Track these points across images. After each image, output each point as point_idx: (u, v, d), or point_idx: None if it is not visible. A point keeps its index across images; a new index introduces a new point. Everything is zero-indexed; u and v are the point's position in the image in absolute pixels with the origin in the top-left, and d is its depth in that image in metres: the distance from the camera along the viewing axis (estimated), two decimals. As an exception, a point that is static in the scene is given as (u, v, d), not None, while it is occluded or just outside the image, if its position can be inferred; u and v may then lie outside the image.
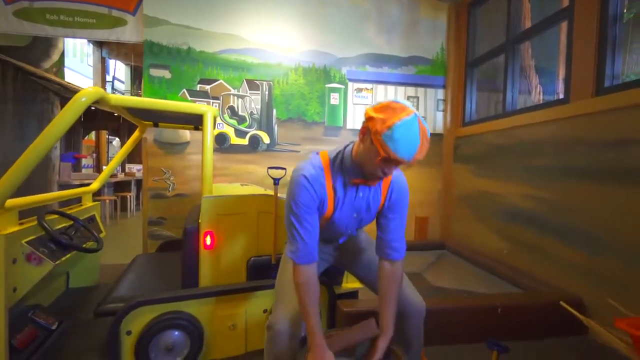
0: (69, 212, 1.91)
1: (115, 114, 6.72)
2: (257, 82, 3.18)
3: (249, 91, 3.17)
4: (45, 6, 3.00)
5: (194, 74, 3.07)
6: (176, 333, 1.49)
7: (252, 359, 1.61)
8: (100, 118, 6.95)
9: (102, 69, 8.77)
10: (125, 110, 1.79)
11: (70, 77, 8.05)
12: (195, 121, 2.18)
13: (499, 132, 2.75)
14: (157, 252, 2.53)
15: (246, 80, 3.16)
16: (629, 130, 1.74)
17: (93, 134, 8.98)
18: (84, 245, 1.72)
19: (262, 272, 1.70)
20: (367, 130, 0.93)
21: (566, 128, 2.09)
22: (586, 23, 1.98)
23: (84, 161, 7.85)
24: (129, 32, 3.11)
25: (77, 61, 9.13)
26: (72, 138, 7.26)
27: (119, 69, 11.05)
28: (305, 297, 1.03)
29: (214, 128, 1.80)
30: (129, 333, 1.44)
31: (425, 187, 3.47)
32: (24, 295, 1.37)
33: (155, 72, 3.01)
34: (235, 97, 3.15)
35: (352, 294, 1.87)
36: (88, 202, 2.22)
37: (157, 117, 2.12)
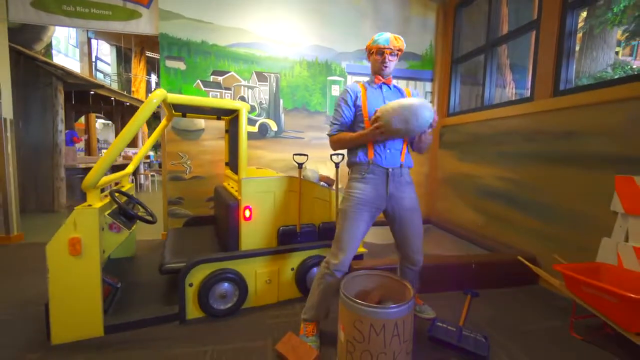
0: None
1: (111, 98, 6.77)
2: (265, 74, 3.48)
3: (258, 82, 3.47)
4: (61, -3, 3.13)
5: (207, 65, 3.33)
6: (226, 285, 1.89)
7: (282, 306, 2.04)
8: (92, 101, 6.96)
9: (89, 50, 8.59)
10: (169, 104, 2.09)
11: (55, 57, 7.89)
12: (220, 113, 2.49)
13: (478, 122, 3.22)
14: (184, 227, 2.87)
15: (255, 72, 3.45)
16: (575, 125, 2.22)
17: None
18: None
19: (289, 238, 2.11)
20: (367, 53, 1.64)
21: (530, 121, 2.57)
22: (548, 35, 2.41)
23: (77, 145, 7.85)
24: (143, 25, 3.30)
25: (62, 41, 8.87)
26: (65, 121, 7.23)
27: (102, 50, 10.76)
28: (345, 136, 1.59)
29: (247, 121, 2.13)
30: (191, 285, 1.83)
31: (414, 170, 3.90)
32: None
33: (170, 64, 3.24)
34: (246, 88, 3.45)
35: (359, 257, 2.32)
36: (126, 184, 2.51)
37: (189, 109, 2.42)
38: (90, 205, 1.60)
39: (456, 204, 3.55)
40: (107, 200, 1.80)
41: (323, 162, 3.62)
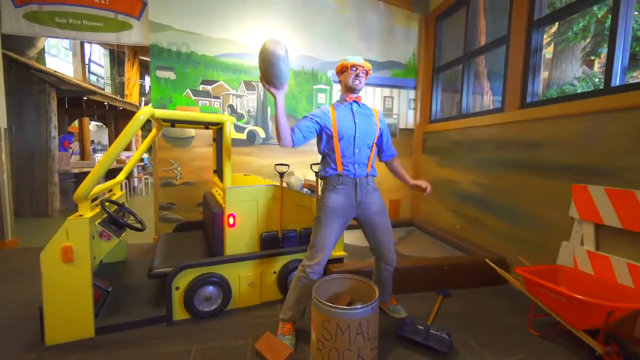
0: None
1: (105, 102, 6.85)
2: (253, 83, 3.60)
3: (246, 91, 3.59)
4: (54, 9, 3.23)
5: (196, 75, 3.45)
6: (211, 288, 2.02)
7: (265, 307, 2.17)
8: (86, 105, 7.02)
9: (82, 53, 8.63)
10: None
11: (48, 60, 7.93)
12: (207, 123, 2.60)
13: (457, 130, 3.37)
14: (174, 232, 2.99)
15: (244, 81, 3.57)
16: (539, 135, 2.38)
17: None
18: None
19: (272, 243, 2.24)
20: (338, 73, 1.80)
21: (502, 131, 2.72)
22: (516, 51, 2.57)
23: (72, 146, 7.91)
24: (134, 36, 3.41)
25: (55, 43, 8.91)
26: (58, 126, 7.28)
27: (94, 52, 10.78)
28: (276, 121, 1.60)
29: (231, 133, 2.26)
30: (177, 288, 1.95)
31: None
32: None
33: (161, 74, 3.36)
34: (234, 97, 3.57)
35: (339, 260, 2.46)
36: (118, 192, 2.63)
37: (176, 121, 2.54)
38: (81, 215, 1.72)
39: (437, 208, 3.71)
40: (98, 209, 1.92)
41: (310, 169, 3.75)
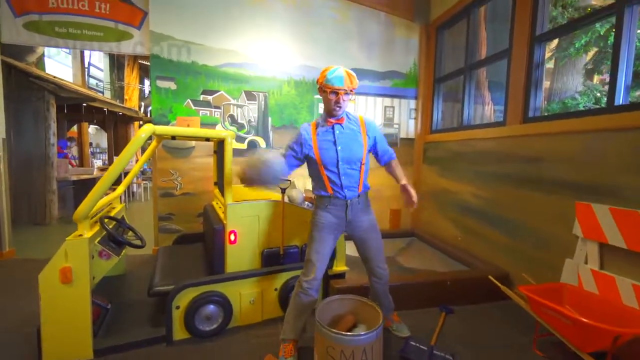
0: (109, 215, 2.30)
1: (104, 109, 6.83)
2: (254, 93, 3.59)
3: (247, 101, 3.58)
4: (54, 19, 3.22)
5: (197, 85, 3.43)
6: (212, 307, 1.99)
7: (266, 325, 2.14)
8: (85, 110, 6.99)
9: (82, 58, 8.60)
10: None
11: (47, 64, 7.90)
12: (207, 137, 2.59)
13: (458, 141, 3.36)
14: (173, 244, 2.95)
15: (244, 91, 3.56)
16: (541, 151, 2.37)
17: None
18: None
19: (273, 260, 2.22)
20: (319, 88, 1.63)
21: (503, 144, 2.72)
22: (518, 65, 2.57)
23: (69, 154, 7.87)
24: (134, 46, 3.39)
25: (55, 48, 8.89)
26: (57, 131, 7.24)
27: (94, 56, 10.76)
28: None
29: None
30: (177, 307, 1.92)
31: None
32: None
33: (162, 84, 3.34)
34: (235, 107, 3.55)
35: (341, 275, 2.44)
36: (117, 205, 2.60)
37: (179, 135, 2.51)
38: (81, 235, 1.69)
39: (438, 218, 3.69)
40: (97, 227, 1.89)
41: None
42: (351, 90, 1.59)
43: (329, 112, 1.65)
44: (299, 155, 1.70)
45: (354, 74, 1.60)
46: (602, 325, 1.50)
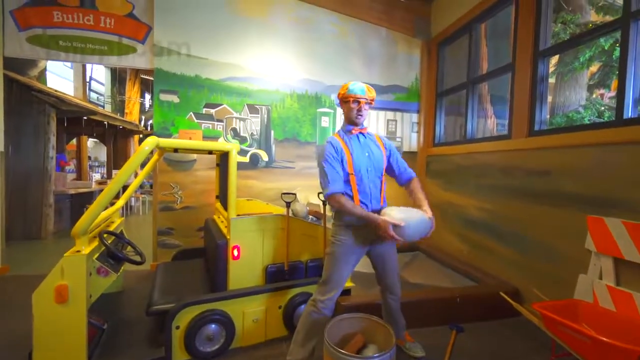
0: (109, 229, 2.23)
1: (105, 122, 6.82)
2: (257, 106, 3.58)
3: (249, 114, 3.57)
4: (58, 33, 3.23)
5: (200, 98, 3.42)
6: (214, 326, 1.90)
7: (270, 345, 2.05)
8: (85, 124, 6.98)
9: (83, 72, 8.67)
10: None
11: (49, 78, 7.93)
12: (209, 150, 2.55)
13: (461, 154, 3.35)
14: (173, 260, 2.86)
15: (247, 104, 3.55)
16: (549, 164, 2.35)
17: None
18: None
19: (277, 276, 2.14)
20: (340, 100, 1.71)
21: (508, 158, 2.70)
22: (522, 79, 2.58)
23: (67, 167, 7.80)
24: (138, 59, 3.40)
25: (57, 62, 8.95)
26: (57, 143, 7.20)
27: (96, 70, 10.87)
28: (348, 204, 1.57)
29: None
30: (177, 327, 1.83)
31: (403, 197, 4.02)
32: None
33: (164, 97, 3.33)
34: (238, 120, 3.54)
35: (347, 292, 2.36)
36: (117, 219, 2.53)
37: (182, 148, 2.48)
38: (78, 251, 1.62)
39: (443, 232, 3.63)
40: (96, 242, 1.82)
41: (313, 192, 3.68)
42: (371, 101, 1.68)
43: (351, 122, 1.70)
44: (339, 163, 1.63)
45: (372, 87, 1.71)
46: (625, 345, 1.43)
